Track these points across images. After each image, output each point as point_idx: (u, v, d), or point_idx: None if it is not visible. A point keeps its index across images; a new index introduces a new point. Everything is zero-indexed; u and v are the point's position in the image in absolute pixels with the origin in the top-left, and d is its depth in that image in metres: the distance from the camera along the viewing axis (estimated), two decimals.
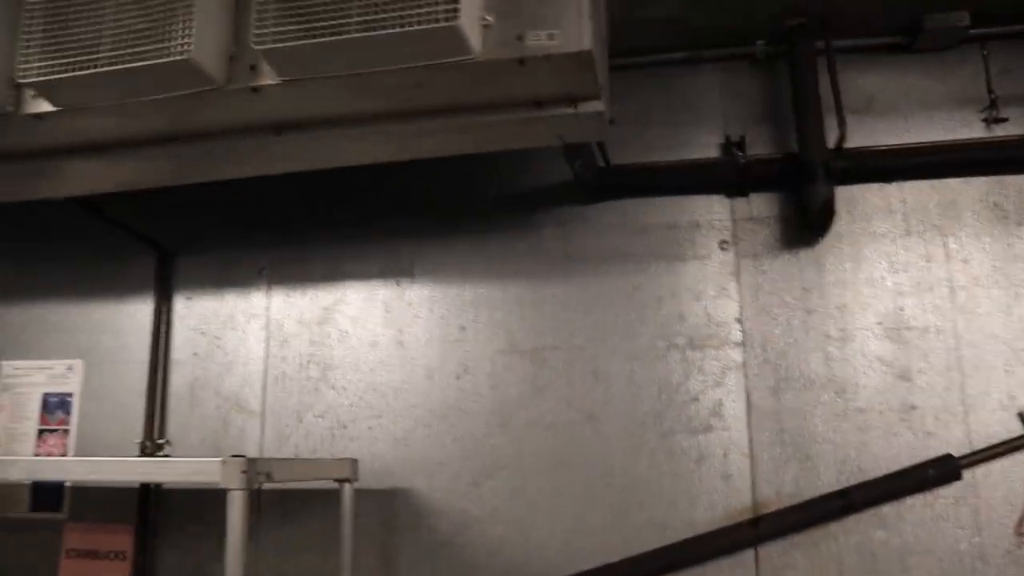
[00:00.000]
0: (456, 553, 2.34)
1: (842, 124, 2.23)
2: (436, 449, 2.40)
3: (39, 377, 2.77)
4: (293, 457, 2.47)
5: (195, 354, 2.65)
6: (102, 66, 1.71)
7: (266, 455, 2.50)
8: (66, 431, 2.70)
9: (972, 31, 2.28)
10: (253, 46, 1.64)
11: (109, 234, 2.68)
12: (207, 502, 2.51)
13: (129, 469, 1.92)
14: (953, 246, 2.29)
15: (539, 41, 1.64)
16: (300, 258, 2.63)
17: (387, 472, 2.41)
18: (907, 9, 2.26)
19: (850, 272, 2.32)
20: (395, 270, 2.55)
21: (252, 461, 1.78)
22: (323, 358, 2.54)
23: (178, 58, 1.67)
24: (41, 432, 2.73)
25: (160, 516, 2.57)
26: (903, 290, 2.29)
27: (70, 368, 2.75)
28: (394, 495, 2.40)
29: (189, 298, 2.70)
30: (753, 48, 2.41)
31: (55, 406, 2.73)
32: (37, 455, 2.71)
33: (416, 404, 2.45)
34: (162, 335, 2.67)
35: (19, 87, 1.88)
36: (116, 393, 2.68)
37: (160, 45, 1.69)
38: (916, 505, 2.17)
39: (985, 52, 2.34)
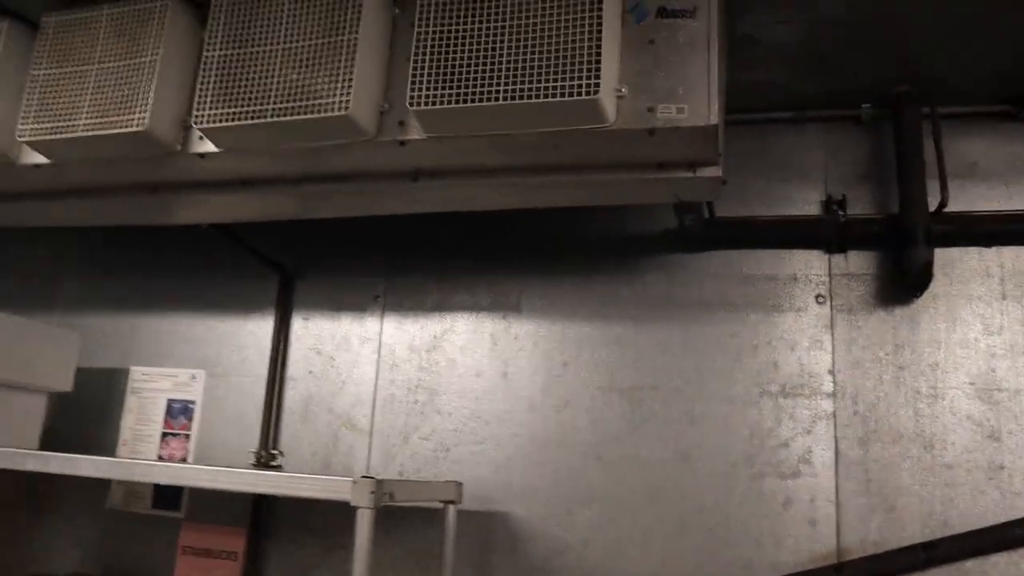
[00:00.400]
0: None
1: (944, 189, 2.31)
2: (534, 477, 2.54)
3: (164, 384, 2.99)
4: (406, 479, 2.63)
5: (310, 372, 2.83)
6: (270, 117, 1.90)
7: (373, 472, 2.67)
8: (187, 436, 2.91)
9: None
10: (408, 107, 1.81)
11: (237, 256, 2.89)
12: (315, 512, 2.69)
13: (267, 482, 2.09)
14: None
15: (669, 114, 1.78)
16: (413, 287, 2.80)
17: (487, 496, 2.55)
18: (1015, 79, 2.33)
19: (944, 332, 2.39)
20: (503, 304, 2.70)
21: (380, 482, 1.93)
22: (431, 384, 2.70)
23: (339, 113, 1.85)
24: (164, 435, 2.94)
25: (271, 521, 2.75)
26: (996, 352, 2.35)
27: (193, 377, 2.96)
28: (493, 518, 2.54)
29: (306, 319, 2.89)
30: (858, 111, 2.50)
31: (178, 411, 2.94)
32: (160, 457, 2.92)
33: (517, 433, 2.59)
34: (280, 352, 2.86)
35: (187, 129, 2.10)
36: (235, 403, 2.89)
37: (323, 100, 1.87)
38: (1000, 563, 2.22)
39: None
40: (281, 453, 2.78)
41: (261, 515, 2.75)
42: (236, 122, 1.94)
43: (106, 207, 2.47)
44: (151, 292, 3.11)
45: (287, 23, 1.98)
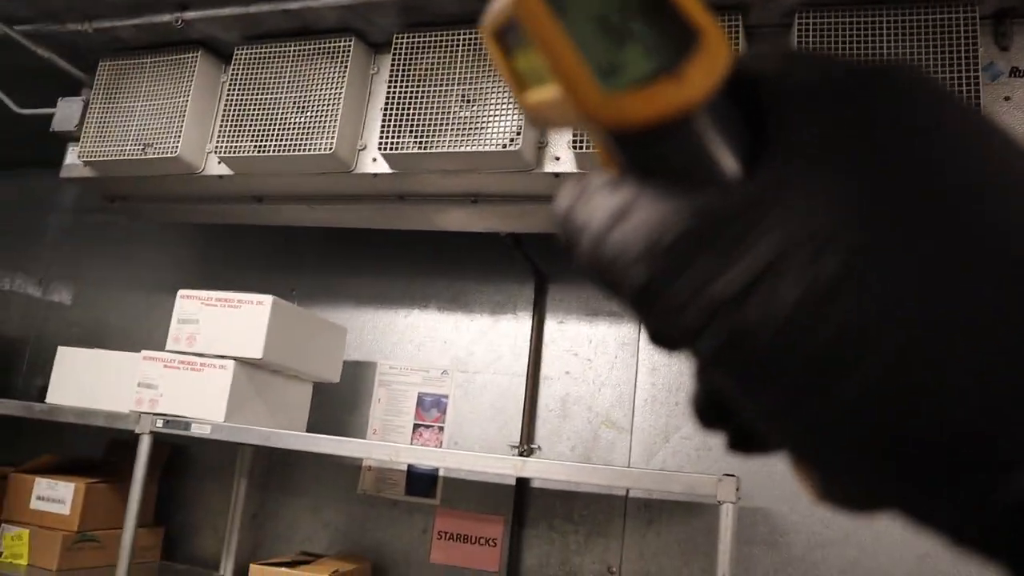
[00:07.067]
0: (810, 568, 2.68)
1: None
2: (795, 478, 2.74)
3: (414, 378, 3.17)
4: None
5: (567, 372, 3.02)
6: (444, 148, 2.22)
7: (634, 468, 2.86)
8: (440, 428, 3.09)
9: None
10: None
11: (490, 261, 3.08)
12: (580, 504, 2.89)
13: (629, 478, 2.29)
14: None
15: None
16: None
17: (749, 493, 2.76)
18: None
19: None
20: None
21: (738, 479, 2.15)
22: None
23: (510, 149, 2.17)
24: (416, 427, 3.12)
25: (530, 511, 2.95)
26: None
27: (444, 372, 3.14)
28: (755, 513, 2.75)
29: (561, 322, 3.08)
30: None
31: (430, 404, 3.12)
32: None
33: None
34: (534, 352, 3.05)
35: (360, 151, 2.43)
36: (489, 400, 3.07)
37: (492, 136, 2.17)
38: None
39: None
40: (539, 447, 2.98)
41: (522, 504, 2.94)
42: (417, 150, 2.25)
43: (280, 212, 2.84)
44: (406, 290, 3.28)
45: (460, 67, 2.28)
